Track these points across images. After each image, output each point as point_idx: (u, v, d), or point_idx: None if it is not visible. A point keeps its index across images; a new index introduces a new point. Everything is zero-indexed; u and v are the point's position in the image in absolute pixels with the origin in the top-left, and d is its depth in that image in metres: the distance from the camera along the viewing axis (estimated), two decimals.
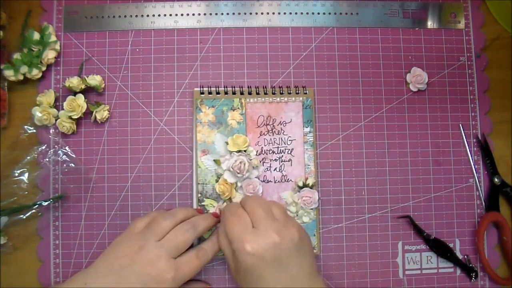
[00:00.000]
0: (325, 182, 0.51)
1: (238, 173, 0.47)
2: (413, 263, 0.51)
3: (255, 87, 0.50)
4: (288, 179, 0.50)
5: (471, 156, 0.52)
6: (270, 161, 0.50)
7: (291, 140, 0.50)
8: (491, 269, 0.50)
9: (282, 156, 0.50)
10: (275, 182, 0.50)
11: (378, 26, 0.53)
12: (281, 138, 0.50)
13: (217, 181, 0.49)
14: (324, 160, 0.51)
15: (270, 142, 0.50)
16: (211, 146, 0.49)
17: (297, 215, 0.49)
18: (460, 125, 0.53)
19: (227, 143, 0.49)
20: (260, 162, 0.49)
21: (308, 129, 0.50)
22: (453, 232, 0.51)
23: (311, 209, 0.49)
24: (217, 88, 0.50)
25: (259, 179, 0.49)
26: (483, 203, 0.52)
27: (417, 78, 0.52)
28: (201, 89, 0.50)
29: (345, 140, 0.51)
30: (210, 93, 0.50)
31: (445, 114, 0.53)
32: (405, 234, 0.51)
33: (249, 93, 0.50)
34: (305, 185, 0.49)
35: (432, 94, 0.53)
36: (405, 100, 0.53)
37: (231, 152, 0.49)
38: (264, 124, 0.50)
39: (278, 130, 0.50)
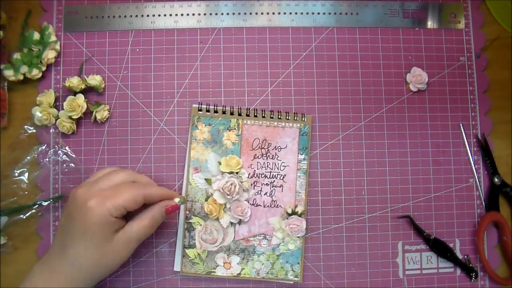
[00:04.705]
0: (325, 182, 0.51)
1: (228, 195, 0.47)
2: (413, 263, 0.51)
3: (254, 110, 0.50)
4: (277, 204, 0.49)
5: (471, 156, 0.52)
6: (261, 185, 0.49)
7: (285, 166, 0.49)
8: (491, 269, 0.50)
9: (274, 181, 0.49)
10: (264, 207, 0.49)
11: (378, 26, 0.53)
12: (275, 163, 0.49)
13: (206, 200, 0.48)
14: (324, 160, 0.51)
15: (263, 166, 0.49)
16: (204, 165, 0.49)
17: (283, 242, 0.49)
18: (461, 124, 0.53)
19: (220, 163, 0.48)
20: (251, 185, 0.49)
21: (302, 156, 0.50)
22: (453, 232, 0.51)
23: (298, 237, 0.49)
24: (215, 107, 0.50)
25: (248, 202, 0.49)
26: (483, 203, 0.52)
27: (417, 78, 0.52)
28: (200, 106, 0.49)
29: (345, 140, 0.51)
30: (208, 110, 0.49)
31: (445, 114, 0.53)
32: (405, 234, 0.51)
33: (247, 115, 0.50)
34: (294, 213, 0.49)
35: (432, 94, 0.53)
36: (405, 100, 0.52)
37: (223, 173, 0.48)
38: (259, 147, 0.49)
39: (273, 155, 0.49)
